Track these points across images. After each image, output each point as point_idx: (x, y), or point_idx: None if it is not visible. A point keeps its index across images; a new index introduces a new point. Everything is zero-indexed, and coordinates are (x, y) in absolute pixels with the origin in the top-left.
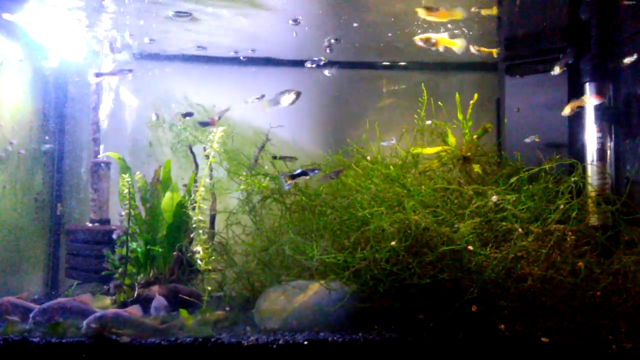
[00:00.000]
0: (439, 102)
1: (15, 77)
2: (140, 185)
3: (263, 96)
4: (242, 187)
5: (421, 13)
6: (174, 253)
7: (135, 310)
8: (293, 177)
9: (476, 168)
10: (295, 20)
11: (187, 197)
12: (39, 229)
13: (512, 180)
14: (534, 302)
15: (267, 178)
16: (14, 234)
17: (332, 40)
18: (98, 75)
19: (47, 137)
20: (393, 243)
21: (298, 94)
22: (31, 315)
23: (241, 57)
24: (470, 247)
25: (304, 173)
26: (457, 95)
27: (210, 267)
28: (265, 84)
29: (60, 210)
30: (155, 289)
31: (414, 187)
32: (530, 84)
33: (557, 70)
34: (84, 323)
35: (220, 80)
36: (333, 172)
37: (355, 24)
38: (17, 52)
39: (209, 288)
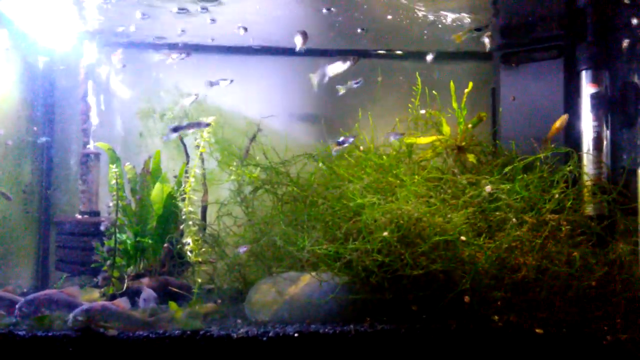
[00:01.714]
0: (434, 92)
1: (1, 66)
2: (130, 176)
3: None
4: (232, 177)
5: None
6: (164, 245)
7: (123, 303)
8: (340, 143)
9: (471, 158)
10: (329, 9)
11: (177, 189)
12: (28, 220)
13: (507, 169)
14: (528, 293)
15: (259, 169)
16: (2, 226)
17: (359, 30)
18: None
19: (35, 128)
20: (385, 233)
21: (355, 59)
22: (17, 306)
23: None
24: (463, 238)
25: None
26: (451, 84)
27: (200, 259)
28: (258, 72)
29: (50, 192)
30: (145, 281)
31: (407, 177)
32: (526, 72)
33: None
34: (71, 316)
35: (211, 70)
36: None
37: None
38: (3, 40)
39: (200, 280)
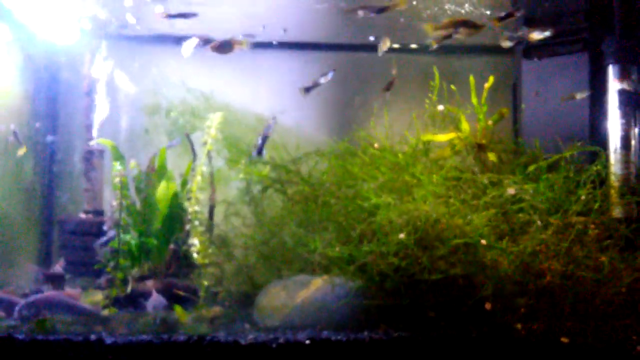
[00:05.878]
0: (452, 87)
1: (2, 60)
2: (134, 174)
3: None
4: (240, 176)
5: None
6: (170, 246)
7: (73, 292)
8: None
9: (491, 156)
10: None
11: (183, 187)
12: (29, 219)
13: (530, 169)
14: (553, 300)
15: (268, 167)
16: (3, 225)
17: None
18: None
19: (37, 124)
20: (402, 235)
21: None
22: (16, 308)
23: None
24: (484, 241)
25: None
26: (471, 78)
27: (207, 261)
28: (268, 67)
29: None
30: (150, 283)
31: (424, 176)
32: (549, 67)
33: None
34: (16, 309)
35: (218, 64)
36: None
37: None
38: (4, 34)
39: (206, 283)
